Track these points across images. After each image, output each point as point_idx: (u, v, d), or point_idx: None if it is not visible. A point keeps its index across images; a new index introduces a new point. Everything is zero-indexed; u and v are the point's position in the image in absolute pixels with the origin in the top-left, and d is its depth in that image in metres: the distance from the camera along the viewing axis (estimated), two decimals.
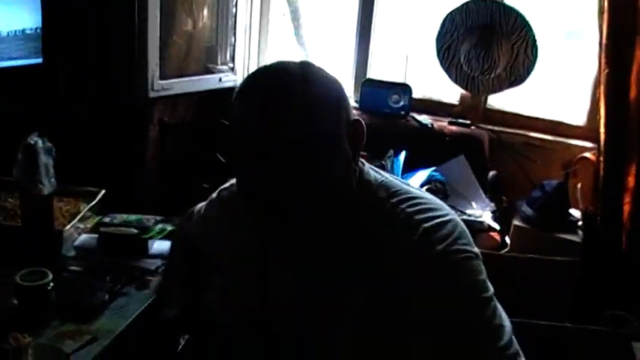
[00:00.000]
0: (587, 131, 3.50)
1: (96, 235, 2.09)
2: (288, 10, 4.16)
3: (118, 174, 3.09)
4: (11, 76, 2.74)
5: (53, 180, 1.88)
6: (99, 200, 2.26)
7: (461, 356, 1.13)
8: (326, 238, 1.20)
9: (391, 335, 1.19)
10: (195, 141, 3.32)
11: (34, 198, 1.86)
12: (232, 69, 3.91)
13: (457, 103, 3.77)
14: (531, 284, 2.21)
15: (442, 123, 3.57)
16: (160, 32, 3.25)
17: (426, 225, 1.17)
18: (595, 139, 3.28)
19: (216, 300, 1.52)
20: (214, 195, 1.55)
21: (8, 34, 2.78)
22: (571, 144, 3.50)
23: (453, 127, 3.54)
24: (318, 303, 1.25)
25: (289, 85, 1.13)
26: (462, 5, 3.43)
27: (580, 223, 3.17)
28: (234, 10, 3.84)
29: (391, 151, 3.15)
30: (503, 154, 3.50)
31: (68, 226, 2.03)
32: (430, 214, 1.19)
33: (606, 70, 3.00)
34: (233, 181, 1.44)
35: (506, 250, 2.99)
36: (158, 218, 2.23)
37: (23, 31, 2.84)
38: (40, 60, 2.88)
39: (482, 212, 3.09)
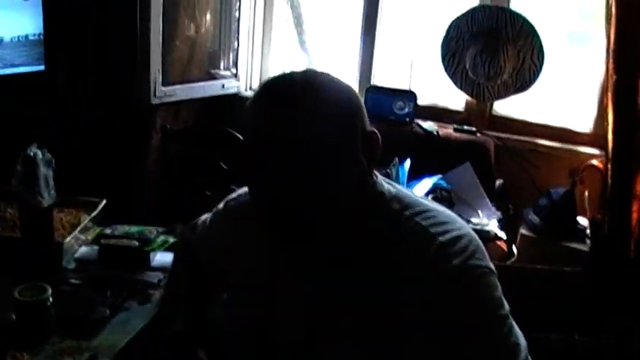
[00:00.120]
0: (594, 138, 3.47)
1: (97, 247, 2.06)
2: (291, 15, 4.13)
3: (119, 182, 3.06)
4: (13, 82, 2.72)
5: (53, 192, 1.85)
6: (100, 211, 2.22)
7: None
8: (331, 243, 1.20)
9: (402, 349, 1.17)
10: (198, 148, 3.28)
11: (33, 210, 1.83)
12: (235, 75, 3.88)
13: (462, 109, 3.74)
14: (539, 295, 2.19)
15: (447, 130, 3.54)
16: (162, 38, 3.22)
17: (442, 238, 1.16)
18: (602, 146, 3.24)
19: (222, 312, 1.52)
20: (220, 205, 1.53)
21: (11, 39, 2.76)
22: (578, 151, 3.47)
23: (459, 134, 3.50)
24: (327, 313, 1.23)
25: (298, 88, 1.14)
26: (468, 11, 3.40)
27: (587, 231, 3.13)
28: (237, 15, 3.82)
29: (396, 159, 3.11)
30: (509, 161, 3.46)
31: (68, 238, 2.00)
32: (446, 227, 1.18)
33: (614, 77, 2.96)
34: (240, 191, 1.45)
35: (513, 259, 2.96)
36: (160, 230, 2.19)
37: (26, 37, 2.82)
38: (42, 67, 2.85)
39: (489, 221, 3.05)
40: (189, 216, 1.72)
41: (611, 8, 2.92)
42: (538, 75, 3.37)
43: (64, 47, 3.04)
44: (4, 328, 1.59)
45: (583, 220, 3.18)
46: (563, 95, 3.68)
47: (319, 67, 1.24)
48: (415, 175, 3.15)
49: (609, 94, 3.04)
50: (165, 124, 3.27)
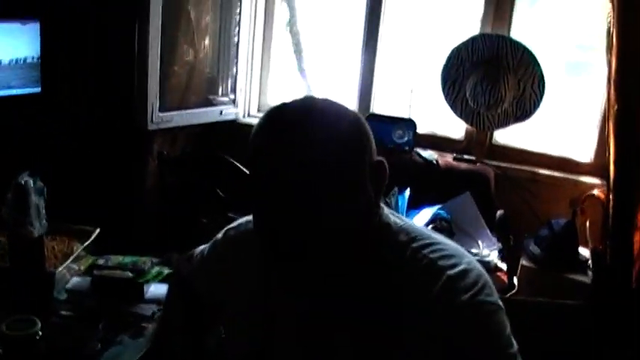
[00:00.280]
0: (595, 167, 3.44)
1: (89, 278, 2.01)
2: (290, 42, 4.12)
3: (115, 209, 3.03)
4: (9, 105, 2.70)
5: (44, 222, 1.81)
6: (93, 239, 2.18)
7: None
8: (332, 272, 1.17)
9: None
10: (195, 175, 3.25)
11: (23, 240, 1.79)
12: (233, 101, 3.86)
13: (462, 138, 3.71)
14: (541, 328, 2.15)
15: (447, 159, 3.51)
16: (160, 63, 3.20)
17: (451, 272, 1.13)
18: (603, 175, 3.22)
19: (219, 343, 1.49)
20: (219, 235, 1.49)
21: (9, 62, 2.75)
22: (579, 181, 3.44)
23: (458, 163, 3.48)
24: (326, 336, 1.21)
25: (303, 117, 1.12)
26: (468, 40, 3.38)
27: (589, 262, 3.09)
28: (236, 40, 3.80)
29: (395, 188, 3.07)
30: (510, 191, 3.43)
31: (60, 268, 1.96)
32: (454, 261, 1.15)
33: (616, 106, 2.94)
34: (240, 220, 1.43)
35: (513, 291, 2.91)
36: (155, 260, 2.15)
37: (25, 60, 2.81)
38: (38, 89, 2.84)
39: (489, 251, 3.02)
40: (186, 244, 1.68)
41: (612, 38, 2.91)
42: (539, 104, 3.35)
43: (61, 71, 3.02)
44: None
45: (584, 251, 3.15)
46: (564, 125, 3.67)
47: (319, 94, 1.21)
48: (414, 205, 3.12)
49: (610, 124, 3.01)
50: (162, 151, 3.24)
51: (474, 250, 2.96)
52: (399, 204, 3.06)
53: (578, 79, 3.66)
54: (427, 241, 1.19)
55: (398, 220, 1.24)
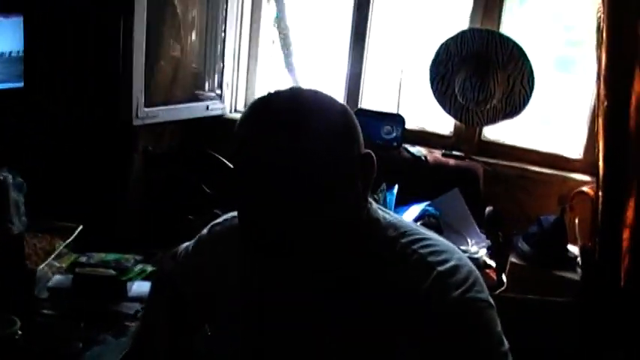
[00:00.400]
0: (585, 164, 3.43)
1: (71, 276, 1.99)
2: (278, 37, 4.09)
3: (99, 206, 2.98)
4: None
5: (24, 218, 1.78)
6: (76, 236, 2.15)
7: None
8: (319, 266, 1.16)
9: None
10: (181, 171, 3.22)
11: (2, 237, 1.76)
12: (220, 96, 3.82)
13: (451, 134, 3.69)
14: (529, 326, 2.14)
15: (436, 155, 3.49)
16: (145, 58, 3.16)
17: (441, 268, 1.12)
18: (592, 172, 3.21)
19: (207, 342, 1.45)
20: (205, 231, 1.46)
21: None
22: (568, 177, 3.42)
23: (447, 160, 3.46)
24: (317, 340, 1.19)
25: (288, 109, 1.11)
26: (457, 34, 3.36)
27: (578, 259, 3.09)
28: (222, 35, 3.77)
29: (384, 185, 3.05)
30: (499, 187, 3.42)
31: (42, 265, 1.94)
32: (444, 257, 1.14)
33: (605, 103, 2.93)
34: (226, 216, 1.41)
35: (502, 288, 2.90)
36: (138, 258, 2.13)
37: (9, 53, 2.78)
38: (21, 84, 2.80)
39: (478, 248, 3.01)
40: (171, 241, 1.65)
41: (602, 34, 2.90)
42: (528, 100, 3.33)
43: (45, 66, 2.98)
44: None
45: (574, 248, 3.14)
46: (553, 121, 3.66)
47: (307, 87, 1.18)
48: (403, 201, 3.10)
49: (600, 120, 3.01)
50: (147, 147, 3.21)
51: (462, 247, 2.95)
52: (388, 200, 3.04)
53: (568, 75, 3.65)
54: (417, 237, 1.18)
55: (387, 215, 1.23)
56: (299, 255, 1.12)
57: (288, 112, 1.09)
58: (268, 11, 4.05)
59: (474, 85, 3.29)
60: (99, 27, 3.07)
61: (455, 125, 3.65)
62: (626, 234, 2.97)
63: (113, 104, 3.12)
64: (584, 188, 3.27)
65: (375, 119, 3.48)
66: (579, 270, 3.03)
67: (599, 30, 2.92)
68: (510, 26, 3.51)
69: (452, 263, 1.13)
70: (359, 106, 3.72)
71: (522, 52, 3.28)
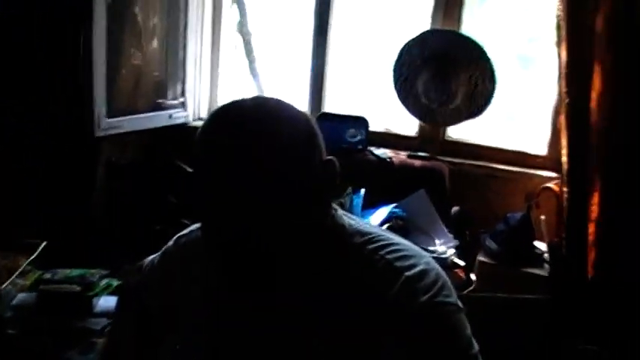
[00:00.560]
0: (549, 161, 3.46)
1: (36, 293, 1.95)
2: (241, 42, 4.07)
3: (62, 220, 2.94)
4: None
5: None
6: (40, 253, 2.12)
7: None
8: (289, 280, 1.16)
9: None
10: (146, 182, 3.19)
11: None
12: (183, 104, 3.80)
13: (416, 135, 3.70)
14: (499, 324, 2.15)
15: (401, 156, 3.49)
16: (106, 67, 3.12)
17: (408, 273, 1.12)
18: (557, 168, 3.25)
19: (172, 355, 1.42)
20: (170, 243, 1.45)
21: None
22: (533, 174, 3.44)
23: (413, 161, 3.46)
24: (285, 349, 1.18)
25: (248, 118, 1.10)
26: (419, 35, 3.37)
27: (546, 255, 3.11)
28: (184, 42, 3.74)
29: (350, 189, 3.05)
30: (465, 187, 3.43)
31: (5, 284, 1.91)
32: (412, 262, 1.14)
33: (567, 99, 2.96)
34: (192, 227, 1.40)
35: (471, 287, 2.92)
36: (103, 272, 2.10)
37: None
38: None
39: (446, 248, 3.01)
40: (138, 252, 1.64)
41: (561, 32, 2.93)
42: (491, 99, 3.35)
43: (1, 78, 2.93)
44: None
45: (541, 245, 3.16)
46: (518, 118, 3.69)
47: (270, 94, 1.18)
48: (370, 204, 3.10)
49: (562, 117, 3.04)
50: (110, 158, 3.17)
51: (430, 248, 2.96)
52: (355, 204, 3.04)
53: (531, 72, 3.68)
54: (383, 242, 1.18)
55: (352, 222, 1.22)
56: (259, 263, 1.10)
57: (250, 120, 1.09)
58: (230, 17, 4.02)
59: (436, 86, 3.31)
60: (58, 37, 3.02)
61: (419, 126, 3.66)
62: (591, 228, 3.01)
63: (74, 116, 3.07)
64: (550, 185, 3.30)
65: (339, 123, 3.48)
66: (547, 266, 3.06)
67: (558, 28, 2.95)
68: (471, 25, 3.53)
69: (419, 268, 1.13)
70: (323, 110, 3.72)
71: (484, 51, 3.30)
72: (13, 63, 2.98)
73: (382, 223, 2.91)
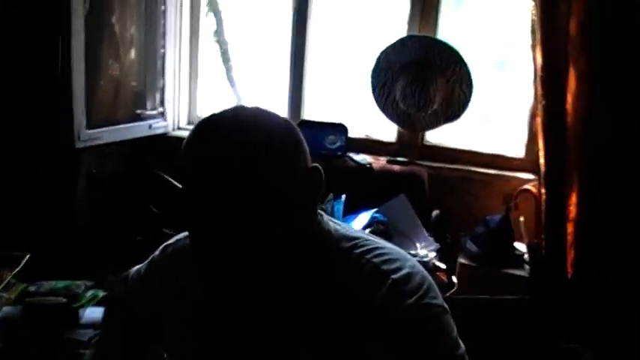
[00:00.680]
0: (527, 163, 3.50)
1: (20, 306, 1.95)
2: (218, 52, 4.08)
3: (44, 233, 2.93)
4: None
5: None
6: (23, 266, 2.11)
7: None
8: (260, 287, 1.15)
9: None
10: (127, 193, 3.18)
11: None
12: (162, 114, 3.80)
13: (394, 140, 3.73)
14: (482, 326, 2.17)
15: (381, 162, 3.52)
16: (85, 78, 3.11)
17: (395, 276, 1.12)
18: (535, 170, 3.28)
19: None
20: (157, 253, 1.45)
21: None
22: (511, 176, 3.48)
23: (392, 166, 3.49)
24: (272, 355, 1.19)
25: (231, 129, 1.10)
26: (396, 42, 3.40)
27: (526, 256, 3.14)
28: (162, 52, 3.74)
29: (331, 195, 3.07)
30: (444, 190, 3.46)
31: None
32: (398, 265, 1.15)
33: (543, 102, 3.00)
34: (178, 236, 1.39)
35: (453, 290, 2.94)
36: (89, 283, 2.10)
37: None
38: None
39: (427, 251, 3.03)
40: (121, 264, 1.64)
41: (536, 35, 2.97)
42: (468, 103, 3.39)
43: None
44: None
45: (520, 246, 3.19)
46: (495, 121, 3.72)
47: (249, 103, 1.19)
48: (351, 210, 3.11)
49: (539, 119, 3.07)
50: (91, 169, 3.16)
51: (411, 251, 2.98)
52: (336, 210, 3.05)
53: (506, 76, 3.72)
54: (370, 246, 1.19)
55: (338, 227, 1.23)
56: (246, 272, 1.11)
57: (233, 130, 1.09)
58: (207, 26, 4.03)
59: (414, 92, 3.33)
60: (36, 50, 3.02)
61: (398, 131, 3.69)
62: (570, 228, 3.04)
63: (54, 128, 3.06)
64: (528, 186, 3.33)
65: (318, 130, 3.50)
66: (527, 266, 3.09)
67: (533, 32, 2.99)
68: (447, 31, 3.56)
69: (405, 271, 1.14)
70: (302, 117, 3.73)
71: (460, 56, 3.33)
72: None
73: (364, 228, 2.92)
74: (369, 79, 3.47)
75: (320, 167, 1.17)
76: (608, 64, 2.82)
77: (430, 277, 1.18)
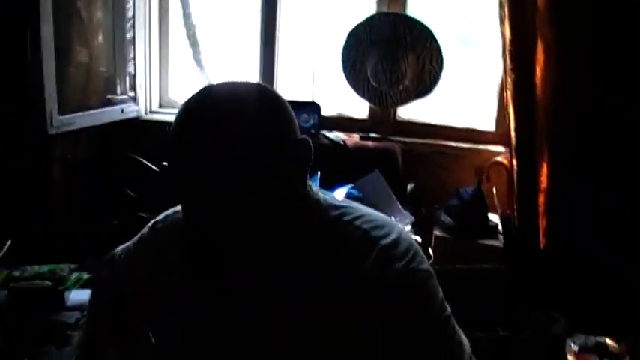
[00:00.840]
0: (497, 136, 3.55)
1: (5, 291, 1.95)
2: (186, 34, 4.05)
3: (23, 220, 2.92)
4: None
5: None
6: (6, 252, 2.11)
7: None
8: (236, 261, 1.17)
9: (343, 356, 1.14)
10: (102, 177, 3.17)
11: None
12: (134, 98, 3.78)
13: (367, 117, 3.76)
14: (459, 295, 2.20)
15: (354, 139, 3.55)
16: (55, 65, 3.09)
17: (384, 242, 1.14)
18: (505, 143, 3.33)
19: (148, 343, 1.42)
20: (146, 230, 1.44)
21: None
22: (483, 150, 3.54)
23: (365, 142, 3.52)
24: (265, 331, 1.19)
25: (220, 104, 1.10)
26: (366, 19, 3.42)
27: (499, 227, 3.19)
28: (130, 36, 3.72)
29: None
30: (417, 165, 3.50)
31: None
32: (386, 231, 1.17)
33: (512, 75, 3.04)
34: (167, 212, 1.40)
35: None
36: (73, 266, 2.10)
37: None
38: None
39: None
40: (100, 247, 1.64)
41: (504, 9, 3.00)
42: (438, 79, 3.43)
43: None
44: None
45: (494, 217, 3.24)
46: (464, 97, 3.77)
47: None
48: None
49: (508, 92, 3.11)
50: (66, 155, 3.15)
51: None
52: None
53: (472, 53, 3.76)
54: (357, 214, 1.21)
55: (327, 197, 1.25)
56: (240, 247, 1.13)
57: (225, 102, 1.11)
58: (176, 9, 4.01)
59: (385, 68, 3.36)
60: (4, 39, 2.99)
61: (370, 108, 3.72)
62: (541, 198, 3.09)
63: (27, 115, 3.04)
64: (499, 158, 3.38)
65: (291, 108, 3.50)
66: (501, 237, 3.14)
67: (501, 6, 3.02)
68: (416, 7, 3.59)
69: (393, 237, 1.16)
70: None
71: (430, 32, 3.37)
72: None
73: None
74: (340, 57, 3.49)
75: (308, 139, 1.18)
76: (574, 37, 2.85)
77: (416, 243, 1.20)
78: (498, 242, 3.11)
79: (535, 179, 3.10)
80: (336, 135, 3.52)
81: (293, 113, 1.18)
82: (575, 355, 2.38)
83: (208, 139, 1.07)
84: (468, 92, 3.80)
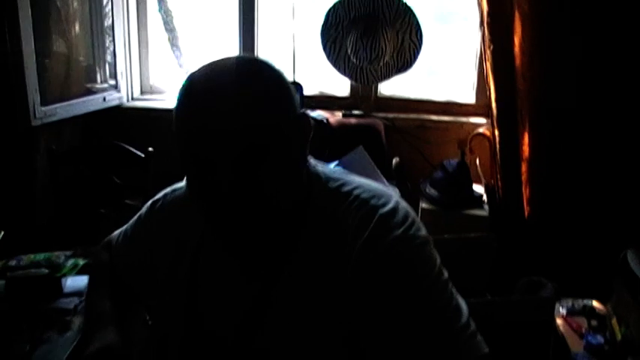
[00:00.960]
0: (478, 107, 3.59)
1: (3, 281, 1.96)
2: (161, 20, 4.04)
3: (10, 212, 2.92)
4: None
5: None
6: (0, 242, 2.12)
7: (424, 338, 1.11)
8: (275, 233, 1.18)
9: (346, 323, 1.16)
10: (87, 166, 3.17)
11: None
12: (115, 86, 3.78)
13: (349, 95, 3.78)
14: (449, 264, 2.24)
15: (337, 117, 3.57)
16: (35, 56, 3.08)
17: (382, 210, 1.16)
18: (486, 114, 3.37)
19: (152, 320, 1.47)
20: (144, 210, 1.46)
21: None
22: (464, 122, 3.58)
23: (348, 120, 3.54)
24: (273, 305, 1.21)
25: (227, 78, 1.11)
26: None
27: (484, 197, 3.23)
28: (109, 23, 3.70)
29: None
30: (401, 140, 3.53)
31: None
32: (384, 200, 1.19)
33: (492, 47, 3.07)
34: (166, 190, 1.42)
35: None
36: (68, 253, 2.11)
37: None
38: None
39: None
40: (88, 236, 1.65)
41: None
42: (418, 53, 3.45)
43: None
44: None
45: (478, 187, 3.28)
46: (440, 74, 3.80)
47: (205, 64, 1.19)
48: None
49: (488, 64, 3.15)
50: (50, 146, 3.14)
51: None
52: None
53: (448, 29, 3.79)
54: (355, 185, 1.23)
55: (325, 170, 1.28)
56: (254, 226, 1.14)
57: (231, 75, 1.12)
58: None
59: (365, 45, 3.37)
60: None
61: (351, 86, 3.74)
62: (524, 167, 3.14)
63: (9, 107, 3.04)
64: (481, 130, 3.42)
65: None
66: (486, 206, 3.18)
67: None
68: None
69: (391, 205, 1.18)
70: None
71: (408, 7, 3.38)
72: None
73: None
74: (320, 36, 3.51)
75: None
76: (549, 6, 2.89)
77: (413, 211, 1.22)
78: (484, 212, 3.15)
79: (517, 148, 3.15)
80: (318, 114, 3.53)
81: (293, 88, 1.19)
82: (564, 318, 2.42)
83: (238, 104, 1.08)
84: (446, 68, 3.82)
